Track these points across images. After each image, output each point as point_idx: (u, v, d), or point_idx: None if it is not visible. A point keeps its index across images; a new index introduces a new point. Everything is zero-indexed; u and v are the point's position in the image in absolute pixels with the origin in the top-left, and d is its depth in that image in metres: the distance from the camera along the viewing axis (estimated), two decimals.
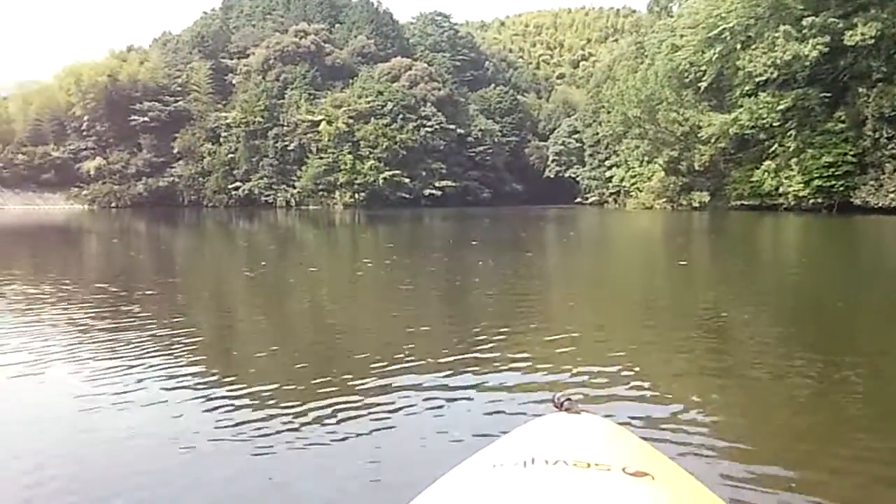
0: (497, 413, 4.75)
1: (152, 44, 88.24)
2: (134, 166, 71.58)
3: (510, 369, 6.06)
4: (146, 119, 71.96)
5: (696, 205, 49.59)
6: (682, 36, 49.59)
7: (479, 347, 6.85)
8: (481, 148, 76.87)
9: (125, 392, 5.22)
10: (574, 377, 5.58)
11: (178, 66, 77.47)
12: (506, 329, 7.93)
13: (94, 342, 7.12)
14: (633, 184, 60.89)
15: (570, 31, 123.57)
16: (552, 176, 79.96)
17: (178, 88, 75.22)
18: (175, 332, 7.60)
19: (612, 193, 67.84)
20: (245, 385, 5.36)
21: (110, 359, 6.45)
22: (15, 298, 10.25)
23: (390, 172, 68.47)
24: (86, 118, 72.51)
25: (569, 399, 1.68)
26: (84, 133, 73.06)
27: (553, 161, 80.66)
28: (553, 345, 6.97)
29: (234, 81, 76.14)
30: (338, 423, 4.53)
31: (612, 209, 62.58)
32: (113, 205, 68.76)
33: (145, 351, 6.57)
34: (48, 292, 10.77)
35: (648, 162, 56.86)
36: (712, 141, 47.03)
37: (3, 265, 16.86)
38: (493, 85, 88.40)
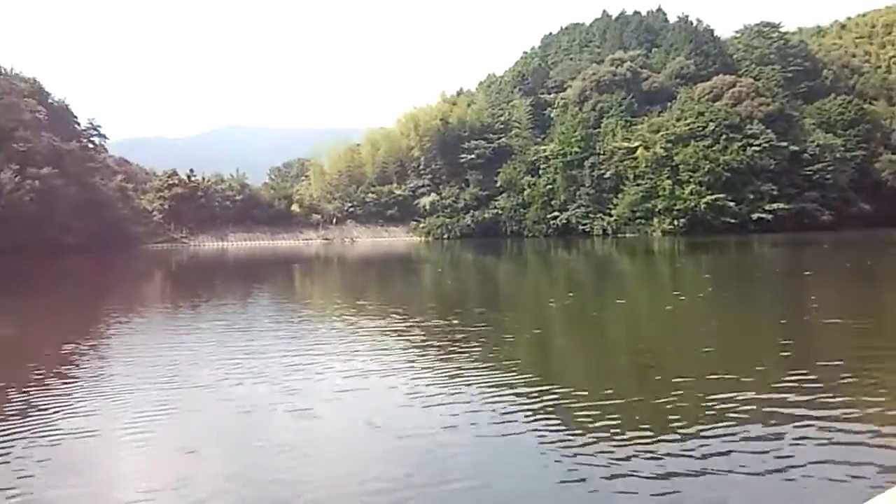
0: (853, 477, 4.23)
1: (478, 86, 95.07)
2: (462, 200, 77.40)
3: (855, 419, 5.22)
4: (473, 156, 77.63)
5: None
6: None
7: (809, 394, 5.97)
8: (819, 165, 68.96)
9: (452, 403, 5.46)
10: None
11: (501, 105, 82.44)
12: (850, 371, 6.81)
13: (423, 357, 7.63)
14: None
15: None
16: None
17: (501, 126, 79.98)
18: (472, 353, 7.82)
19: None
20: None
21: (434, 370, 6.84)
22: (360, 316, 11.49)
23: (713, 197, 64.60)
24: (423, 158, 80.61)
25: None
26: (421, 172, 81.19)
27: None
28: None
29: (551, 115, 78.68)
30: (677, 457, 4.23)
31: None
32: (445, 236, 74.93)
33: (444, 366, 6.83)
34: (389, 312, 11.91)
35: None
36: None
37: (356, 286, 19.18)
38: (832, 95, 79.17)
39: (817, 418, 5.32)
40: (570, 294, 16.34)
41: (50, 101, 66.32)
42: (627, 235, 65.85)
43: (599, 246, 50.43)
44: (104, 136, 76.29)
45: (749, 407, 5.72)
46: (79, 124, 71.84)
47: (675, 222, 65.43)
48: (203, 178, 76.58)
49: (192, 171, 76.78)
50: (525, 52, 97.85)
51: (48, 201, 54.61)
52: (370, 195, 80.00)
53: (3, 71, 63.29)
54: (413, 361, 7.87)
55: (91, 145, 73.50)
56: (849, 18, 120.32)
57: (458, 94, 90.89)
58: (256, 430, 5.58)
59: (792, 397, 5.94)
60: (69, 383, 7.50)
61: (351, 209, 79.78)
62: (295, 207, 78.24)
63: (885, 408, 5.56)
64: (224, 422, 5.87)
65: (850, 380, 6.58)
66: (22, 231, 51.87)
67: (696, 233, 60.90)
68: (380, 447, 5.10)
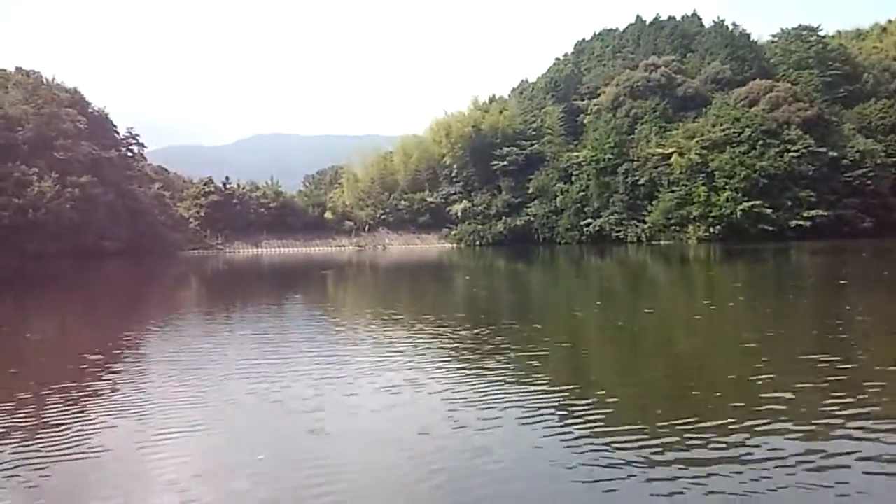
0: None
1: (510, 93, 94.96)
2: (495, 207, 77.27)
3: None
4: (505, 163, 77.50)
5: None
6: None
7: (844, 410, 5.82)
8: (860, 171, 67.44)
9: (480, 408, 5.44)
10: None
11: (533, 112, 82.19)
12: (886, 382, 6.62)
13: (446, 367, 7.61)
14: None
15: None
16: None
17: (533, 132, 79.73)
18: (480, 362, 7.77)
19: None
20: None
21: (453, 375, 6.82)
22: (385, 322, 11.52)
23: (749, 203, 63.57)
24: (455, 165, 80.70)
25: None
26: (453, 179, 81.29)
27: None
28: None
29: (584, 121, 78.21)
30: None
31: None
32: (477, 243, 74.89)
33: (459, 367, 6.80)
34: (416, 320, 11.92)
35: None
36: None
37: (387, 294, 19.26)
38: (873, 99, 77.47)
39: (842, 426, 5.19)
40: (598, 303, 16.16)
41: (90, 110, 67.73)
42: (662, 243, 65.09)
43: (633, 253, 49.91)
44: (142, 145, 77.69)
45: (777, 415, 5.60)
46: (118, 133, 73.27)
47: (711, 229, 64.51)
48: (238, 186, 77.70)
49: (227, 178, 77.94)
50: (558, 59, 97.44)
51: (87, 209, 55.93)
52: (402, 202, 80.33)
53: (45, 81, 64.85)
54: (436, 371, 7.87)
55: (130, 154, 74.95)
56: (890, 21, 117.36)
57: (491, 100, 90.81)
58: (288, 447, 5.63)
59: (820, 403, 5.79)
60: (93, 393, 7.61)
61: (383, 216, 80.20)
62: (328, 214, 78.91)
63: None
64: (254, 436, 5.92)
65: (874, 389, 6.39)
66: (62, 237, 53.29)
67: (733, 240, 59.95)
68: (408, 455, 5.18)
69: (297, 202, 79.44)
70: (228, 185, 76.83)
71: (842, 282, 20.45)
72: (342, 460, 5.10)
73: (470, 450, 5.11)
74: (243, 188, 77.45)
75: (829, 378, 7.05)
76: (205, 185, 75.60)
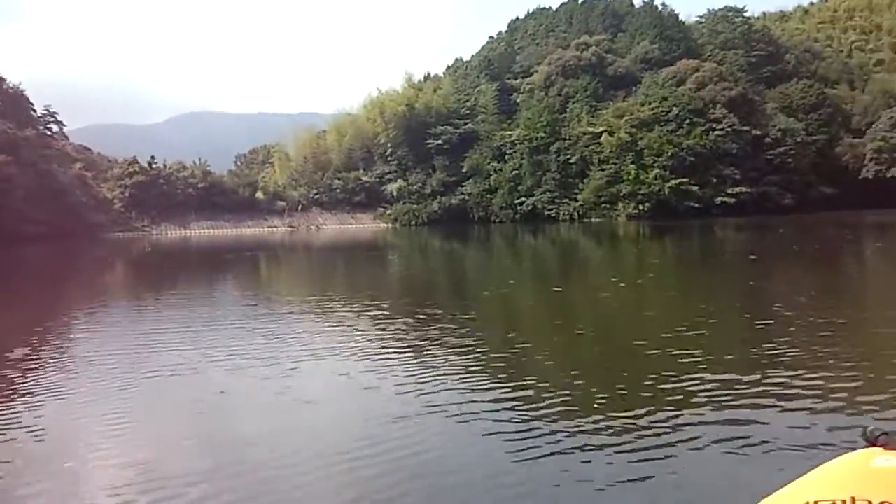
0: (794, 444, 4.47)
1: (445, 71, 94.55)
2: (430, 186, 77.04)
3: (799, 398, 5.39)
4: (440, 142, 77.23)
5: None
6: None
7: (754, 377, 5.94)
8: (781, 149, 69.68)
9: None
10: (881, 407, 5.07)
11: (467, 91, 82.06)
12: (778, 355, 6.79)
13: (356, 346, 7.48)
14: None
15: (890, 11, 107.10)
16: (870, 177, 69.92)
17: (467, 111, 79.63)
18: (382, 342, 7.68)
19: None
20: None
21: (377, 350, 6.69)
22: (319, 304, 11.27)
23: (677, 181, 65.07)
24: (389, 144, 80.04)
25: (885, 434, 1.48)
26: (388, 158, 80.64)
27: (871, 160, 70.57)
28: (844, 372, 6.04)
29: (517, 100, 78.50)
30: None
31: None
32: (412, 222, 74.58)
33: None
34: (339, 301, 11.71)
35: None
36: None
37: (318, 275, 18.96)
38: (794, 79, 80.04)
39: (723, 397, 5.27)
40: (511, 282, 16.23)
41: (4, 86, 64.52)
42: (593, 220, 66.12)
43: (565, 231, 50.54)
44: (62, 123, 74.55)
45: (668, 390, 5.65)
46: (35, 111, 70.08)
47: (640, 207, 65.83)
48: (164, 166, 75.33)
49: (153, 158, 75.47)
50: (491, 37, 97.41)
51: (3, 190, 53.32)
52: (336, 182, 79.33)
53: None
54: (368, 359, 7.73)
55: (48, 132, 71.82)
56: (812, 3, 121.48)
57: (425, 78, 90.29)
58: (222, 429, 5.45)
59: (707, 377, 5.87)
60: (20, 383, 7.20)
61: (317, 196, 79.05)
62: (260, 195, 77.37)
63: (798, 386, 5.50)
64: (184, 421, 5.72)
65: (763, 361, 6.53)
66: None
67: (661, 217, 61.27)
68: (343, 437, 5.10)
69: (226, 182, 77.57)
70: (154, 165, 74.38)
71: (752, 257, 21.06)
72: (273, 452, 4.89)
73: (401, 438, 4.94)
74: (170, 168, 75.12)
75: (712, 353, 7.17)
76: (129, 164, 73.00)
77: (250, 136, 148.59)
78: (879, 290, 13.15)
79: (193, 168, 76.20)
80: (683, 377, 6.15)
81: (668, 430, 4.82)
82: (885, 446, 1.44)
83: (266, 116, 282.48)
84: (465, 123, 78.12)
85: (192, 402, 6.32)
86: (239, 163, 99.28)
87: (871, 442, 1.48)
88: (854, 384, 5.75)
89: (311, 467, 4.61)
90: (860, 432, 1.51)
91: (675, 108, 67.94)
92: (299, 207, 78.07)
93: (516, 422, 5.06)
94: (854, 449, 1.46)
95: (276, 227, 73.61)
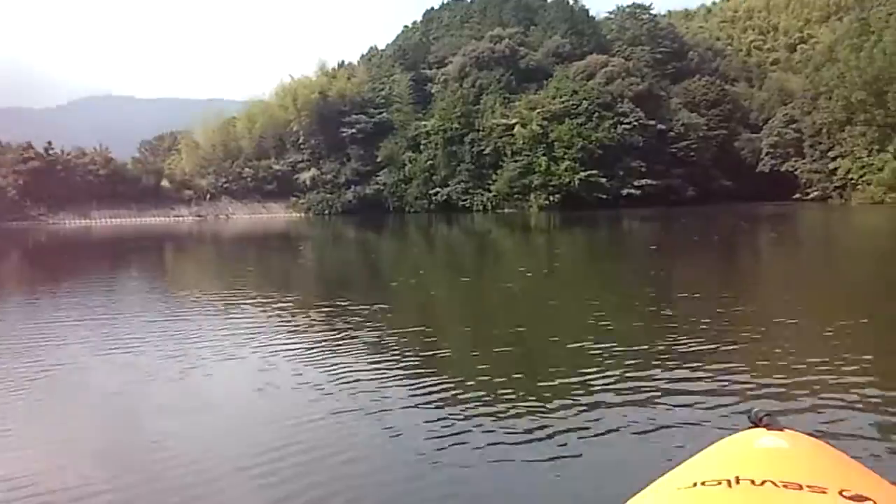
0: (683, 425, 4.63)
1: (360, 59, 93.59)
2: (344, 176, 76.20)
3: (692, 382, 5.67)
4: (354, 131, 76.43)
5: None
6: None
7: (641, 362, 6.14)
8: (685, 143, 72.56)
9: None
10: (766, 392, 5.26)
11: (382, 80, 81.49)
12: (672, 340, 7.05)
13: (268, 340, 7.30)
14: (860, 176, 54.21)
15: (786, 12, 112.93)
16: (767, 170, 73.71)
17: (382, 101, 79.06)
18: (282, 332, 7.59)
19: (836, 187, 60.95)
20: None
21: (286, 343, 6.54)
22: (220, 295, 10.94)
23: (586, 173, 66.74)
24: (301, 133, 78.61)
25: (768, 414, 1.56)
26: (300, 146, 79.20)
27: (767, 154, 74.34)
28: (736, 357, 6.34)
29: (432, 91, 78.54)
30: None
31: (836, 205, 56.38)
32: (326, 212, 73.59)
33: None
34: (243, 294, 11.41)
35: (879, 150, 50.22)
36: None
37: (227, 267, 18.43)
38: (697, 76, 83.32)
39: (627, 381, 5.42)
40: (421, 272, 16.28)
41: None
42: (506, 211, 67.05)
43: (480, 221, 51.07)
44: None
45: (573, 380, 5.77)
46: None
47: (551, 198, 67.16)
48: (62, 152, 71.59)
49: (50, 143, 71.61)
50: (406, 26, 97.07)
51: None
52: (247, 170, 77.33)
53: None
54: (255, 347, 7.52)
55: None
56: (714, 3, 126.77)
57: (339, 66, 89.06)
58: (121, 434, 5.16)
59: (610, 366, 6.03)
60: None
61: (226, 185, 76.86)
62: (165, 183, 74.63)
63: (689, 369, 5.71)
64: (77, 425, 5.39)
65: (643, 349, 6.77)
66: None
67: (571, 208, 62.65)
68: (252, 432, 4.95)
69: (130, 170, 74.40)
70: (52, 151, 70.54)
71: (653, 247, 21.84)
72: (177, 459, 4.61)
73: (316, 439, 4.76)
74: (68, 155, 71.44)
75: (614, 341, 7.36)
76: (24, 150, 68.98)
77: (157, 122, 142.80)
78: (772, 278, 13.87)
79: (94, 154, 72.61)
80: (586, 365, 6.30)
81: (573, 415, 4.94)
82: (769, 427, 1.50)
83: (175, 102, 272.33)
84: (380, 113, 77.60)
85: (86, 405, 5.98)
86: (144, 149, 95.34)
87: (756, 423, 1.55)
88: (747, 368, 6.01)
89: (219, 473, 4.33)
90: (746, 413, 1.59)
91: (584, 102, 69.54)
92: (208, 196, 75.77)
93: (430, 417, 5.03)
94: (740, 430, 1.53)
95: (183, 216, 71.22)
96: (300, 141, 79.09)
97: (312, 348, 7.49)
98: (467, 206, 70.78)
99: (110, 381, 6.51)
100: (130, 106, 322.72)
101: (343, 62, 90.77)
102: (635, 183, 68.21)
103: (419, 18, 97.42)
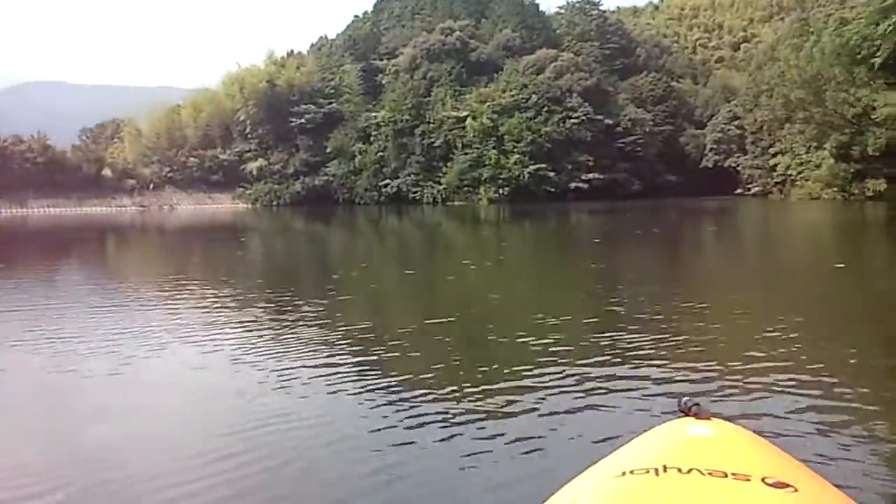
0: (617, 415, 4.70)
1: (309, 48, 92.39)
2: (292, 166, 75.26)
3: (626, 372, 5.74)
4: (303, 121, 75.49)
5: (871, 194, 44.73)
6: (852, 8, 44.74)
7: (581, 352, 6.23)
8: (631, 138, 73.78)
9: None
10: (699, 382, 5.35)
11: (332, 70, 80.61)
12: (610, 332, 7.18)
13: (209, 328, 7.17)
14: (799, 172, 56.00)
15: (731, 11, 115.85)
16: (710, 166, 75.56)
17: (332, 91, 78.24)
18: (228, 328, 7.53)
19: (776, 183, 62.92)
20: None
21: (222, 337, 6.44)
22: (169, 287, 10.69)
23: (535, 166, 67.38)
24: (249, 122, 77.28)
25: (696, 404, 1.59)
26: (248, 136, 77.86)
27: (711, 150, 76.20)
28: (671, 348, 6.52)
29: (383, 82, 78.10)
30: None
31: (776, 200, 58.17)
32: (274, 203, 72.65)
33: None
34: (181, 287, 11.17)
35: (817, 148, 51.88)
36: (889, 122, 42.05)
37: (171, 259, 18.03)
38: (644, 72, 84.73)
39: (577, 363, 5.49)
40: (363, 265, 16.22)
41: None
42: (456, 203, 67.22)
43: (429, 214, 51.06)
44: None
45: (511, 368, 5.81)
46: None
47: (501, 191, 67.64)
48: None
49: None
50: (357, 16, 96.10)
51: None
52: (192, 159, 75.82)
53: None
54: (197, 342, 7.37)
55: None
56: (662, 0, 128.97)
57: (288, 55, 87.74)
58: (57, 435, 4.92)
59: (555, 350, 6.09)
60: None
61: (170, 174, 75.23)
62: (107, 172, 72.66)
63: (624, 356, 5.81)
64: (27, 414, 5.20)
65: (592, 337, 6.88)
66: None
67: (520, 201, 63.19)
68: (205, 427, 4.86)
69: (70, 158, 72.22)
70: None
71: (596, 240, 22.20)
72: (137, 440, 4.54)
73: (265, 441, 4.61)
74: (4, 141, 68.92)
75: (555, 334, 7.45)
76: None
77: (99, 109, 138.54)
78: (709, 270, 14.20)
79: (31, 142, 70.24)
80: (523, 357, 6.34)
81: (508, 406, 4.98)
82: (697, 416, 1.54)
83: (117, 89, 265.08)
84: (330, 103, 76.82)
85: (20, 404, 5.74)
86: (84, 137, 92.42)
87: (685, 412, 1.58)
88: (681, 359, 6.13)
89: (166, 482, 4.05)
90: (676, 403, 1.62)
91: (534, 96, 70.08)
92: (151, 186, 74.06)
93: (376, 415, 4.99)
94: (670, 419, 1.56)
95: (125, 206, 69.51)
96: (247, 130, 77.77)
97: (247, 345, 7.39)
98: (417, 198, 70.72)
99: (45, 378, 6.30)
100: (73, 93, 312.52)
101: (292, 51, 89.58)
102: (583, 177, 69.14)
103: (370, 9, 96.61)
